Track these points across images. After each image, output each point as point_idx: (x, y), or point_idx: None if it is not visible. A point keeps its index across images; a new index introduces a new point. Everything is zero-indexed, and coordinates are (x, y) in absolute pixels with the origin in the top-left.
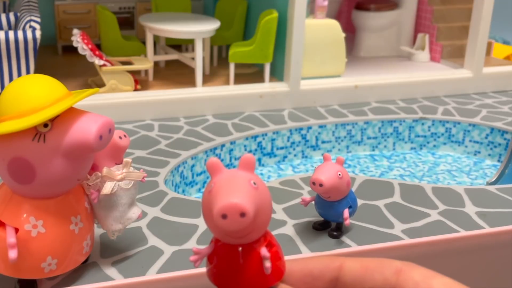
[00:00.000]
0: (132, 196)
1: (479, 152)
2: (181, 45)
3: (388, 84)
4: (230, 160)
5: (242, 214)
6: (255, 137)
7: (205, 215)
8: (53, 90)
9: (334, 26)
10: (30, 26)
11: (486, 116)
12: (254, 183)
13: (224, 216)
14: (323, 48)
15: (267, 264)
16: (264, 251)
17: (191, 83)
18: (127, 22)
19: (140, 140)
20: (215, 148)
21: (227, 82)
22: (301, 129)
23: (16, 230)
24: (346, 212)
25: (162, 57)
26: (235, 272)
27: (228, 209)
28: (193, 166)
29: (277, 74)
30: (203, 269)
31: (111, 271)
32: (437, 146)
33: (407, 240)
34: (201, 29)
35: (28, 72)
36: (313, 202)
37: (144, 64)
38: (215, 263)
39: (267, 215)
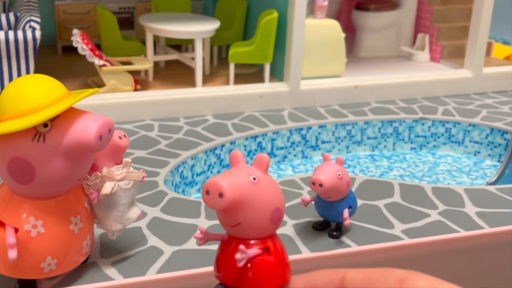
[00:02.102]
0: (132, 196)
1: (479, 152)
2: (181, 45)
3: (388, 84)
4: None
5: (220, 195)
6: (255, 137)
7: None
8: (53, 90)
9: (334, 26)
10: (30, 26)
11: (486, 116)
12: (254, 178)
13: (207, 192)
14: (323, 48)
15: (238, 255)
16: (242, 246)
17: (191, 83)
18: (127, 22)
19: (140, 140)
20: (215, 148)
21: (227, 82)
22: (301, 129)
23: (16, 230)
24: (346, 212)
25: (162, 57)
26: (238, 271)
27: (209, 186)
28: (193, 166)
29: (277, 74)
30: (203, 269)
31: (111, 271)
32: (437, 146)
33: (407, 240)
34: (201, 29)
35: (28, 72)
36: (313, 202)
37: (144, 64)
38: (221, 261)
39: (263, 213)
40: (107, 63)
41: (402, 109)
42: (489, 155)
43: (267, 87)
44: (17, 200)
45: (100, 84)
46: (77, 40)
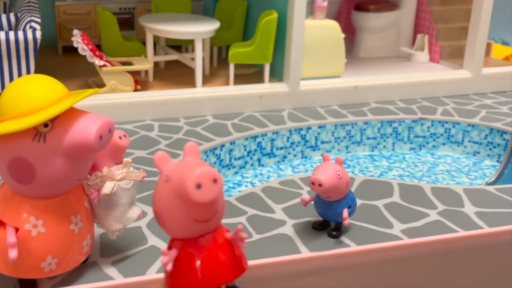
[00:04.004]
0: (132, 196)
1: (478, 153)
2: (181, 45)
3: (387, 85)
4: (230, 160)
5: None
6: (254, 137)
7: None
8: (53, 90)
9: (333, 27)
10: (31, 27)
11: (485, 116)
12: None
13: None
14: (322, 48)
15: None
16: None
17: (191, 83)
18: (127, 22)
19: (140, 140)
20: (215, 148)
21: (227, 83)
22: (300, 129)
23: (16, 229)
24: (345, 212)
25: (162, 58)
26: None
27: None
28: None
29: (277, 74)
30: None
31: (111, 271)
32: (436, 146)
33: (406, 240)
34: (201, 29)
35: (28, 72)
36: (312, 202)
37: (144, 64)
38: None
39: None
40: (107, 64)
41: (401, 109)
42: (488, 155)
43: (266, 87)
44: (17, 199)
45: (100, 85)
46: (78, 40)
